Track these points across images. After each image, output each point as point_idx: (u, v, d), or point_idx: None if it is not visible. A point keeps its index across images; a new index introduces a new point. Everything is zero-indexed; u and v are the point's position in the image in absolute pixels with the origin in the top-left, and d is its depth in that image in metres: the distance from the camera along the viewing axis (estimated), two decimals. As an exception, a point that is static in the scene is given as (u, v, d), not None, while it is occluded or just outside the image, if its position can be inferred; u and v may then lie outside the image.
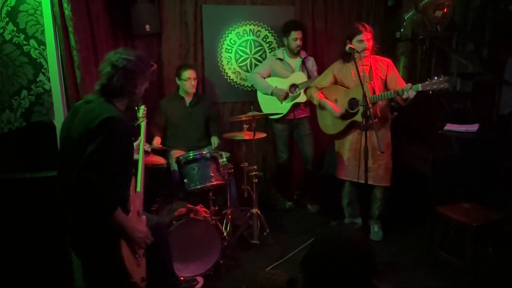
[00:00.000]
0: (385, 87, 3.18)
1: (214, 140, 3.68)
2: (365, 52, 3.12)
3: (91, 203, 1.75)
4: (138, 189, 2.13)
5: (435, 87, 2.78)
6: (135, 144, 2.35)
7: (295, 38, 3.75)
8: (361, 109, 2.91)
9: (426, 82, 2.84)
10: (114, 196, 1.80)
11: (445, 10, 3.57)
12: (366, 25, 3.14)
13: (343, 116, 3.24)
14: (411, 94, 2.88)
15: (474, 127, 3.30)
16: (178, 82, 3.68)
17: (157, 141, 3.58)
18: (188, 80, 3.61)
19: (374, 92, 3.10)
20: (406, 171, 3.33)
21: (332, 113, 3.29)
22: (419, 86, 2.85)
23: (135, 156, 2.26)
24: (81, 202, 1.78)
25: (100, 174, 1.72)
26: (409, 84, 2.92)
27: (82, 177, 1.70)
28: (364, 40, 3.09)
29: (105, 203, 1.77)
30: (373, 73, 3.15)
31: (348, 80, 3.24)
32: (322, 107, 3.39)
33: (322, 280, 1.16)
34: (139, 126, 2.55)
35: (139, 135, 2.48)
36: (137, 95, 2.03)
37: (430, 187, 3.10)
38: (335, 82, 3.34)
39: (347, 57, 3.14)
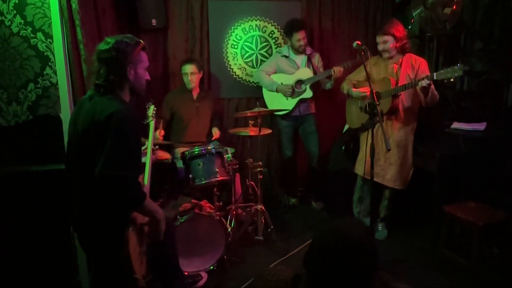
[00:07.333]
0: None
1: (215, 131, 3.66)
2: (383, 53, 3.14)
3: (122, 199, 1.77)
4: (146, 183, 2.14)
5: (449, 75, 2.73)
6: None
7: (298, 39, 3.71)
8: (368, 105, 2.90)
9: (440, 71, 2.80)
10: (140, 185, 1.84)
11: (453, 8, 3.52)
12: (394, 26, 3.09)
13: (366, 110, 3.25)
14: (424, 82, 2.83)
15: (481, 126, 3.27)
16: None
17: (160, 133, 3.43)
18: (185, 75, 3.60)
19: None
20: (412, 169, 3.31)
21: (359, 96, 3.27)
22: (434, 75, 2.81)
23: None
24: (111, 199, 1.78)
25: (123, 169, 1.72)
26: (425, 74, 2.89)
27: (108, 176, 1.70)
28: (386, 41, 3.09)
29: (135, 195, 1.80)
30: (401, 70, 3.13)
31: (375, 75, 3.23)
32: (350, 96, 3.40)
33: (324, 275, 1.15)
34: (148, 125, 2.53)
35: (147, 134, 2.45)
36: (135, 78, 1.92)
37: (436, 185, 3.08)
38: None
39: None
